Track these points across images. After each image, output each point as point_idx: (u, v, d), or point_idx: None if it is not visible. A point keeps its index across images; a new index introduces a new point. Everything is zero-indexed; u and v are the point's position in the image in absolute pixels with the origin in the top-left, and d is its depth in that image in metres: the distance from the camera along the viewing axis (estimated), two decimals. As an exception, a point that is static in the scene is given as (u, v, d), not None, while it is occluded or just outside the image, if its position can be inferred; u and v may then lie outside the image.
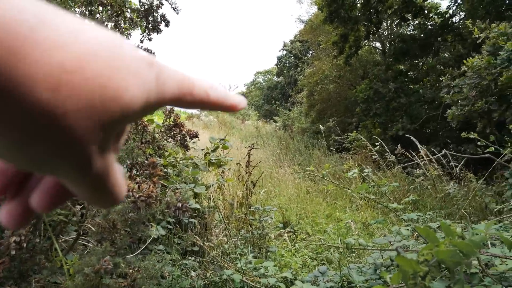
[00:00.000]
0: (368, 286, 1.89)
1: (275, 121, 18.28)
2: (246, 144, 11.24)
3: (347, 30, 10.19)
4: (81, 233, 1.15)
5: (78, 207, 1.28)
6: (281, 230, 4.18)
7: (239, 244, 3.05)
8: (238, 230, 3.69)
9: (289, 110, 18.51)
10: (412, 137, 6.26)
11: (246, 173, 4.33)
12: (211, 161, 3.70)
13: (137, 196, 0.97)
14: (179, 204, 1.03)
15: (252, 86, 29.84)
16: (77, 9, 2.04)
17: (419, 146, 5.88)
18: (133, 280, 1.11)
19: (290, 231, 4.63)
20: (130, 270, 1.14)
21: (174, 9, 2.54)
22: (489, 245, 1.60)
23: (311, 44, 17.20)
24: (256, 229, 3.53)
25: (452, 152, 5.38)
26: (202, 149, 3.85)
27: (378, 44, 12.90)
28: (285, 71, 24.23)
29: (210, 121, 15.72)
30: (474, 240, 0.75)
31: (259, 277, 2.30)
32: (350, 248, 1.78)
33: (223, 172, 4.28)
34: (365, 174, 3.16)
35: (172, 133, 1.74)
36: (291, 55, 23.65)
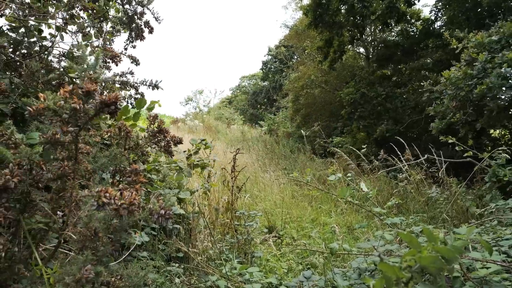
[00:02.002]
0: (353, 291, 1.90)
1: (261, 126, 18.32)
2: (232, 148, 11.23)
3: (332, 35, 10.32)
4: (62, 241, 1.13)
5: (60, 213, 1.25)
6: (267, 235, 4.18)
7: (224, 249, 3.03)
8: (223, 235, 3.67)
9: (274, 115, 18.59)
10: (399, 138, 6.34)
11: (232, 178, 4.32)
12: (194, 163, 3.68)
13: (119, 203, 0.96)
14: (162, 212, 1.02)
15: (238, 91, 29.85)
16: (59, 13, 2.01)
17: (406, 146, 5.96)
18: (115, 289, 1.09)
19: (275, 236, 4.63)
20: (113, 279, 1.12)
21: (156, 18, 2.54)
22: (470, 249, 1.64)
23: (296, 49, 17.34)
24: (241, 234, 3.51)
25: (434, 156, 5.49)
26: (184, 151, 3.82)
27: (362, 50, 13.10)
28: (270, 76, 24.33)
29: (195, 125, 15.64)
30: (456, 246, 0.76)
31: (244, 283, 2.29)
32: (334, 253, 1.79)
33: (209, 176, 4.25)
34: (349, 178, 3.19)
35: (156, 139, 1.72)
36: (276, 59, 23.77)
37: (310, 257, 4.01)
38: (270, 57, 24.94)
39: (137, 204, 1.00)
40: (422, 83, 6.81)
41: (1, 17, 2.03)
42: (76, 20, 1.98)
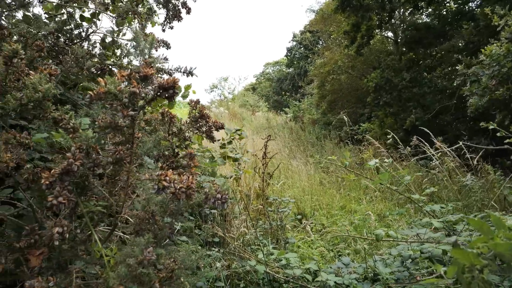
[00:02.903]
0: (395, 278, 1.87)
1: (286, 113, 18.19)
2: (257, 135, 11.23)
3: (359, 19, 10.01)
4: (118, 224, 1.15)
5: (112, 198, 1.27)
6: (305, 221, 4.18)
7: (258, 235, 3.05)
8: (255, 221, 3.69)
9: (299, 101, 18.40)
10: (425, 129, 6.14)
11: (263, 164, 4.31)
12: (228, 155, 3.69)
13: (178, 187, 0.96)
14: (219, 195, 1.02)
15: (262, 77, 29.68)
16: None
17: (433, 138, 5.77)
18: (171, 271, 1.10)
19: (306, 222, 4.62)
20: (167, 261, 1.13)
21: None
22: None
23: (322, 34, 16.99)
24: (274, 220, 3.52)
25: (469, 143, 5.28)
26: (218, 140, 3.84)
27: (390, 34, 12.66)
28: (295, 62, 24.03)
29: (220, 112, 15.71)
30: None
31: (282, 268, 2.30)
32: (380, 240, 1.75)
33: (239, 164, 4.27)
34: (386, 164, 3.12)
35: (198, 125, 1.72)
36: (301, 45, 23.41)
37: (341, 244, 3.99)
38: (295, 43, 24.59)
39: (194, 188, 1.00)
40: (453, 68, 6.50)
41: (42, 2, 2.06)
42: (116, 3, 1.99)
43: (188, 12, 2.39)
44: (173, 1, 2.42)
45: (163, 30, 2.39)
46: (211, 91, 28.95)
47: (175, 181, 0.96)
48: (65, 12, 1.99)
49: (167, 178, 0.95)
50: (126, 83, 1.00)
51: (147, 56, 1.21)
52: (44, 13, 2.25)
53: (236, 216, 3.00)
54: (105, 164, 1.06)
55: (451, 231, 2.10)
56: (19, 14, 2.04)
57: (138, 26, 2.28)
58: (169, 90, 0.97)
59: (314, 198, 5.91)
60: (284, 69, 26.56)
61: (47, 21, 2.21)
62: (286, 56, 25.83)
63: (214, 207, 1.02)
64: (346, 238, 4.03)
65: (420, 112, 8.74)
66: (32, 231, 1.11)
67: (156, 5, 2.45)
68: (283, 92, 23.80)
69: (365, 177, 2.70)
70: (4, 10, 1.59)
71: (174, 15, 2.34)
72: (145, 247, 0.95)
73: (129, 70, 0.99)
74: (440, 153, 5.67)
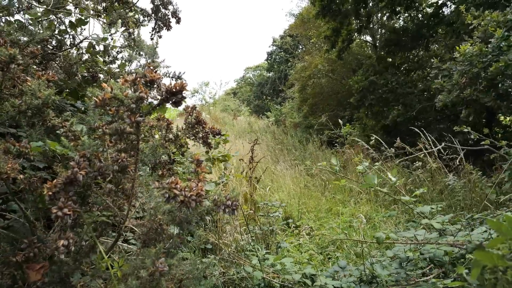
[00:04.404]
0: (394, 280, 1.88)
1: (267, 117, 18.25)
2: (240, 140, 11.20)
3: (339, 24, 10.19)
4: (122, 234, 1.11)
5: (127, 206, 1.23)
6: (292, 225, 4.17)
7: (250, 240, 3.02)
8: (246, 226, 3.66)
9: (281, 105, 18.49)
10: (412, 126, 6.26)
11: (250, 168, 4.30)
12: (215, 157, 3.66)
13: (188, 195, 0.93)
14: (229, 202, 1.00)
15: (243, 82, 29.70)
16: (90, 3, 1.97)
17: (423, 134, 5.86)
18: (179, 282, 1.07)
19: (295, 225, 4.62)
20: (173, 271, 1.10)
21: (175, 11, 2.51)
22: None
23: (302, 39, 17.16)
24: (264, 225, 3.50)
25: (453, 145, 5.42)
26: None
27: (369, 38, 12.93)
28: (275, 66, 24.16)
29: (202, 117, 15.57)
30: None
31: (278, 274, 2.28)
32: (381, 242, 1.76)
33: (225, 168, 4.23)
34: (376, 167, 3.16)
35: (195, 131, 1.70)
36: (282, 50, 23.58)
37: (330, 247, 4.00)
38: (275, 47, 24.75)
39: (203, 195, 0.97)
40: (432, 59, 6.68)
41: (29, 9, 1.99)
42: (108, 12, 1.94)
43: (178, 21, 2.37)
44: (162, 10, 2.39)
45: (152, 39, 2.36)
46: (192, 96, 28.71)
47: (185, 189, 0.93)
48: (55, 18, 1.93)
49: (178, 186, 0.92)
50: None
51: (150, 61, 1.18)
52: (29, 19, 2.18)
53: (228, 222, 2.96)
54: (110, 172, 1.02)
55: (441, 231, 2.13)
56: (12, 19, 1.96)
57: (126, 34, 2.23)
58: (177, 95, 0.95)
59: (301, 202, 5.93)
60: (264, 73, 26.67)
61: (31, 27, 2.14)
62: (266, 60, 25.96)
63: (226, 214, 1.00)
64: (335, 240, 4.05)
65: (403, 110, 8.96)
66: (30, 244, 1.06)
67: (144, 16, 2.41)
68: (264, 96, 23.87)
69: (354, 180, 2.71)
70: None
71: (163, 24, 2.31)
72: (156, 258, 0.91)
73: (134, 75, 0.96)
74: (423, 154, 5.79)
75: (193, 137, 1.79)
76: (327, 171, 7.81)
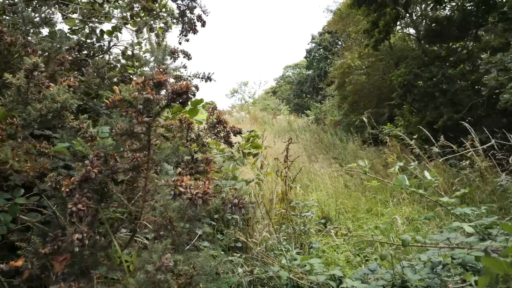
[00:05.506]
0: (425, 286, 1.79)
1: (307, 115, 18.08)
2: (279, 139, 11.19)
3: (378, 16, 9.81)
4: (137, 230, 1.15)
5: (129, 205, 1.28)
6: (328, 226, 4.11)
7: (281, 240, 3.01)
8: (279, 226, 3.65)
9: (321, 103, 18.25)
10: (464, 123, 5.86)
11: (285, 167, 4.29)
12: (247, 151, 3.68)
13: (194, 192, 0.95)
14: (235, 201, 1.00)
15: (282, 81, 29.66)
16: (118, 13, 2.08)
17: (473, 134, 5.49)
18: (190, 278, 1.10)
19: (330, 227, 4.55)
20: (186, 267, 1.13)
21: (204, 12, 2.55)
22: None
23: (341, 35, 16.82)
24: (297, 225, 3.48)
25: (507, 142, 5.02)
26: (235, 143, 3.85)
27: (412, 31, 12.34)
28: (314, 64, 23.88)
29: (242, 117, 15.76)
30: None
31: (306, 274, 2.26)
32: (406, 245, 1.69)
33: (261, 167, 4.25)
34: (412, 167, 3.02)
35: (216, 130, 1.72)
36: (320, 47, 23.26)
37: (368, 249, 3.89)
38: (313, 45, 24.47)
39: (210, 193, 0.99)
40: (481, 55, 6.22)
41: (65, 18, 2.13)
42: (135, 19, 2.03)
43: (203, 25, 2.42)
44: (188, 15, 2.45)
45: (180, 43, 2.43)
46: (232, 96, 29.21)
47: (191, 187, 0.95)
48: (88, 27, 2.05)
49: (183, 184, 0.94)
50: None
51: (160, 64, 1.22)
52: (68, 29, 2.33)
53: (258, 221, 2.98)
54: (122, 170, 1.07)
55: (485, 235, 2.00)
56: (45, 31, 2.11)
57: (155, 39, 2.32)
58: (183, 95, 0.97)
59: (339, 201, 5.82)
60: (304, 71, 26.45)
61: (70, 36, 2.29)
62: (305, 58, 25.73)
63: (233, 212, 1.01)
64: (373, 242, 3.93)
65: (450, 110, 8.42)
66: (55, 238, 1.13)
67: (171, 20, 2.49)
68: (303, 95, 23.67)
69: (387, 182, 2.62)
70: (29, 28, 1.64)
71: (189, 28, 2.37)
72: (163, 253, 0.94)
73: (143, 77, 1.00)
74: (470, 153, 5.44)
75: (215, 136, 1.82)
76: (370, 172, 7.58)
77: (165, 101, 0.99)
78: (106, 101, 0.96)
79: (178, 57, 2.22)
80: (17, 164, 0.97)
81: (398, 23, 10.19)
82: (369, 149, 10.00)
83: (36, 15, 1.45)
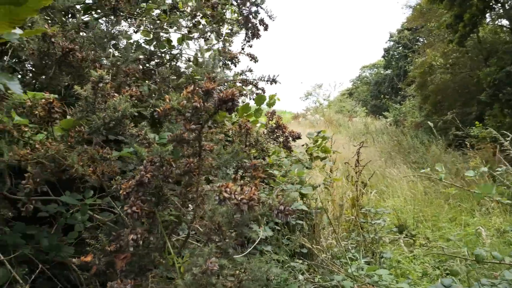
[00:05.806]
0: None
1: (385, 117, 17.19)
2: (355, 142, 10.80)
3: (464, 9, 8.92)
4: (190, 233, 1.19)
5: (191, 206, 1.34)
6: (397, 235, 3.86)
7: (349, 247, 2.90)
8: (348, 232, 3.52)
9: (400, 104, 17.22)
10: None
11: (356, 172, 4.12)
12: (314, 155, 3.61)
13: (239, 198, 0.95)
14: (281, 207, 0.99)
15: (359, 82, 28.66)
16: (183, 22, 2.20)
17: None
18: (240, 282, 1.10)
19: (406, 236, 4.25)
20: (236, 271, 1.13)
21: (270, 16, 2.56)
22: None
23: (421, 31, 15.69)
24: (368, 232, 3.31)
25: None
26: (302, 145, 3.79)
27: (505, 22, 11.01)
28: (393, 63, 22.65)
29: (316, 119, 15.58)
30: None
31: (373, 285, 2.13)
32: (480, 261, 1.51)
33: (331, 171, 4.14)
34: (498, 173, 2.69)
35: (275, 135, 1.72)
36: (399, 45, 22.00)
37: (449, 261, 3.55)
38: (392, 43, 23.25)
39: (256, 199, 0.98)
40: None
41: (136, 32, 2.31)
42: (198, 27, 2.12)
43: (266, 29, 2.44)
44: (252, 21, 2.49)
45: (243, 49, 2.48)
46: (306, 99, 29.04)
47: (236, 193, 0.96)
48: (158, 37, 2.20)
49: (228, 189, 0.96)
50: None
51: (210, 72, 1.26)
52: (143, 40, 2.53)
53: (324, 227, 2.90)
54: (175, 175, 1.12)
55: None
56: (121, 44, 2.32)
57: (220, 45, 2.40)
58: (228, 103, 0.99)
59: (417, 209, 5.41)
60: (381, 71, 25.24)
61: (145, 45, 2.48)
62: (383, 57, 24.55)
63: (279, 219, 1.00)
64: (456, 254, 3.58)
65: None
66: (118, 237, 1.23)
67: (238, 26, 2.55)
68: (381, 96, 22.58)
69: (467, 189, 2.36)
70: (105, 41, 1.81)
71: (253, 34, 2.41)
72: (208, 257, 0.96)
73: (193, 86, 1.04)
74: None
75: (274, 141, 1.82)
76: (451, 177, 6.94)
77: (213, 108, 1.01)
78: (157, 109, 1.02)
79: (239, 62, 2.27)
80: (81, 169, 1.08)
81: (487, 15, 9.16)
82: (455, 152, 9.15)
83: (112, 29, 1.59)
